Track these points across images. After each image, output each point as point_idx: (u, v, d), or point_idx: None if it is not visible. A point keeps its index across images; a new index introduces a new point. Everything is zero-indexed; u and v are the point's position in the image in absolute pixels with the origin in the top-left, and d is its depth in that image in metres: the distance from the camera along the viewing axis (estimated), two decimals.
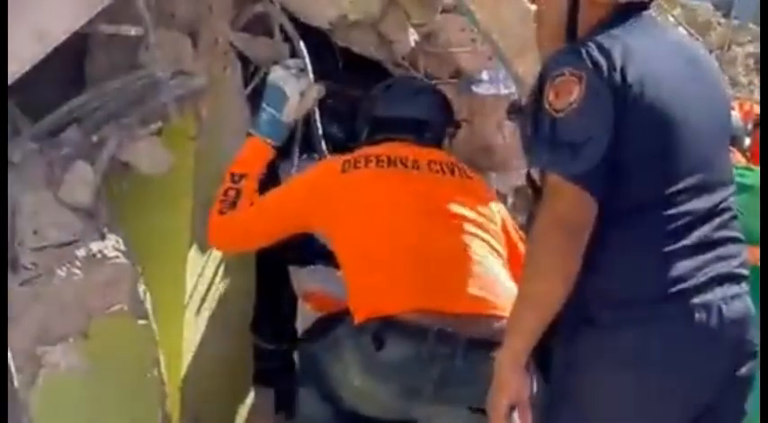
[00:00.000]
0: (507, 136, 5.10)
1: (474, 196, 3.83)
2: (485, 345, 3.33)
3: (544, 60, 2.91)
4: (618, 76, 2.74)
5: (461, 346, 3.42)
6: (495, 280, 3.60)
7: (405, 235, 3.65)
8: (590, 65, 2.74)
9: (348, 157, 3.91)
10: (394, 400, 3.52)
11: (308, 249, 4.30)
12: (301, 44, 4.29)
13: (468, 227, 3.70)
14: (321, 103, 4.31)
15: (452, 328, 3.43)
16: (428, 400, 3.47)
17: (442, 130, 4.11)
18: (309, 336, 4.01)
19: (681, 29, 5.33)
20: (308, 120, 4.34)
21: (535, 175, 2.88)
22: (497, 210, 3.88)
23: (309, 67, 4.23)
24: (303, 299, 4.39)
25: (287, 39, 4.34)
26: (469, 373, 3.38)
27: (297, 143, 4.43)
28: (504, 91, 5.11)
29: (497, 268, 3.67)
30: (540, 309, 2.75)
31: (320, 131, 4.38)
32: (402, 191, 3.75)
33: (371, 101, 4.20)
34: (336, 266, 3.87)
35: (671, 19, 5.41)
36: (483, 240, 3.70)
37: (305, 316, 4.34)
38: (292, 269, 4.45)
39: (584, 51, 2.77)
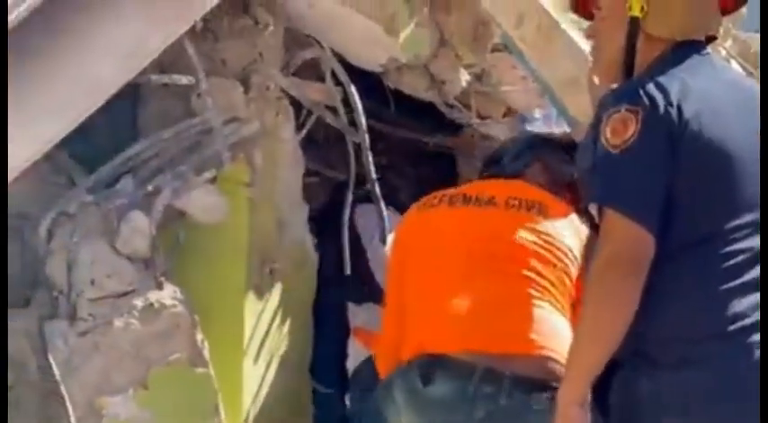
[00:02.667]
0: None
1: (545, 234, 3.76)
2: (530, 383, 3.32)
3: (601, 97, 2.89)
4: (675, 113, 2.71)
5: (506, 384, 3.40)
6: (545, 321, 3.56)
7: (460, 277, 3.63)
8: (647, 102, 2.72)
9: (429, 195, 3.90)
10: None
11: (365, 287, 4.31)
12: (352, 88, 4.30)
13: (526, 272, 3.65)
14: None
15: (498, 364, 3.41)
16: None
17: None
18: (357, 376, 4.01)
19: (733, 61, 5.28)
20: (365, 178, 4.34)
21: (593, 211, 2.86)
22: (575, 245, 3.78)
23: (361, 110, 4.24)
24: (352, 334, 4.39)
25: (338, 83, 4.35)
26: (514, 412, 3.36)
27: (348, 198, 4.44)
28: (556, 129, 5.09)
29: (549, 311, 3.62)
30: (599, 346, 2.72)
31: (378, 192, 4.37)
32: (464, 231, 3.72)
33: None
34: None
35: (723, 51, 5.35)
36: (539, 285, 3.64)
37: (355, 352, 4.32)
38: (350, 306, 4.45)
39: (640, 88, 2.75)
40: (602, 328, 2.70)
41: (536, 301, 3.55)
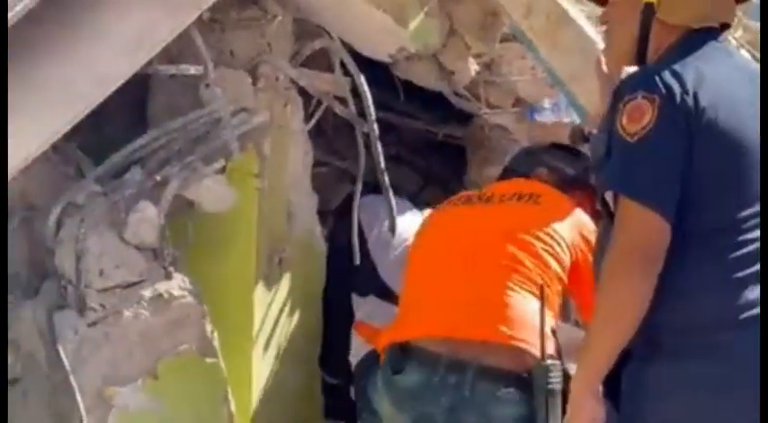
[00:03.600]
0: None
1: (533, 221, 3.75)
2: (495, 373, 3.37)
3: (616, 84, 2.87)
4: (691, 101, 2.70)
5: (470, 375, 3.42)
6: (519, 311, 3.55)
7: (448, 270, 3.65)
8: (663, 89, 2.70)
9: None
10: None
11: (369, 280, 4.31)
12: (362, 78, 4.29)
13: (508, 261, 3.63)
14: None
15: (465, 355, 3.42)
16: None
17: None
18: (359, 370, 4.10)
19: (743, 51, 5.26)
20: (374, 167, 4.33)
21: (609, 199, 2.84)
22: (568, 233, 3.75)
23: (370, 100, 4.23)
24: (353, 328, 4.39)
25: (347, 73, 4.34)
26: (479, 402, 3.38)
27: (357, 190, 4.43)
28: (566, 119, 5.08)
29: (528, 300, 3.60)
30: (613, 336, 2.71)
31: (387, 182, 4.36)
32: (460, 228, 3.75)
33: None
34: (389, 301, 3.93)
35: (733, 41, 5.34)
36: (520, 273, 3.61)
37: (356, 346, 4.32)
38: (354, 297, 4.44)
39: (656, 76, 2.74)
40: (617, 317, 2.69)
41: (513, 291, 3.55)
